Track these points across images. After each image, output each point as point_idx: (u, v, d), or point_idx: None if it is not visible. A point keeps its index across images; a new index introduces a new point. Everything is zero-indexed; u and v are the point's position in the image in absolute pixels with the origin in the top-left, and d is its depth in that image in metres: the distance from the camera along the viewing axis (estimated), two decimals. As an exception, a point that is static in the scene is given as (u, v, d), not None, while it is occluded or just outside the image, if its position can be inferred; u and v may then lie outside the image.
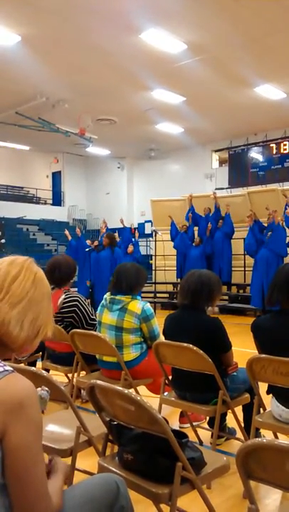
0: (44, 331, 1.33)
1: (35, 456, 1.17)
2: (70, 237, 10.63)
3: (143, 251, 15.63)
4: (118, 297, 3.31)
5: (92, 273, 9.69)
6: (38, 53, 9.76)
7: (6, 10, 8.15)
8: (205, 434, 3.22)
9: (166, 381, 3.06)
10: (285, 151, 14.78)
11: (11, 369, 1.21)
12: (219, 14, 8.26)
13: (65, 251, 11.27)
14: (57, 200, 22.30)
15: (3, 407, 1.13)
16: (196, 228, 11.38)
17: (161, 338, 3.08)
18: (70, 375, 3.80)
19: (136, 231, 11.14)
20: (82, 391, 3.95)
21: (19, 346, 1.29)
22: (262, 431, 2.95)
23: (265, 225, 9.42)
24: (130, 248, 10.23)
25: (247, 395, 2.90)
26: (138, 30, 8.81)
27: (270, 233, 8.79)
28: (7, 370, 1.20)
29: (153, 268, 12.55)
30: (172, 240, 11.38)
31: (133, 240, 10.74)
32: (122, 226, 11.85)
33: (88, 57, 10.08)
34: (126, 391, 1.81)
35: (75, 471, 2.24)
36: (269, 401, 2.65)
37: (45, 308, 1.33)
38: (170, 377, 3.04)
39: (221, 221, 10.76)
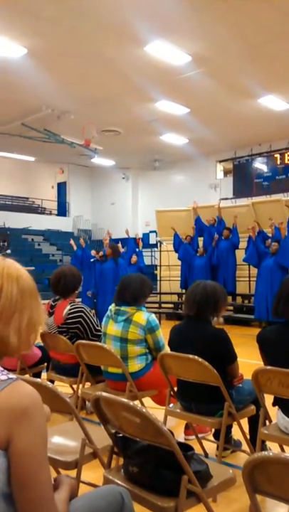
0: (38, 326, 1.32)
1: (41, 463, 1.18)
2: (75, 247, 10.65)
3: (148, 261, 15.61)
4: (123, 308, 3.31)
5: (97, 284, 9.69)
6: (44, 65, 9.87)
7: (13, 22, 8.26)
8: (210, 447, 3.20)
9: (172, 392, 3.05)
10: (290, 162, 14.81)
11: (15, 377, 1.22)
12: (223, 26, 8.34)
13: (70, 261, 11.26)
14: (62, 210, 22.39)
15: (9, 415, 1.14)
16: (200, 238, 11.38)
17: (166, 349, 3.07)
18: (75, 387, 3.79)
19: (140, 241, 11.13)
20: (87, 402, 3.94)
21: (18, 350, 1.28)
22: (268, 443, 2.92)
23: (270, 235, 9.39)
24: (134, 258, 10.23)
25: (253, 407, 2.88)
26: (143, 42, 8.90)
27: (275, 244, 8.72)
28: (11, 378, 1.20)
29: (158, 278, 12.54)
30: (176, 251, 11.36)
31: (137, 250, 10.73)
32: (126, 236, 11.85)
33: (94, 69, 10.18)
34: (131, 403, 1.81)
35: (80, 484, 2.23)
36: (275, 413, 2.63)
37: (34, 308, 1.31)
38: (175, 389, 3.03)
39: (226, 231, 10.74)
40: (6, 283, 1.26)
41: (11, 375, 1.22)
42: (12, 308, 1.25)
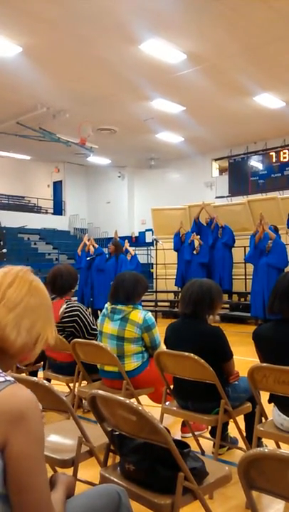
0: (44, 339, 1.34)
1: (37, 466, 1.18)
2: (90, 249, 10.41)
3: (144, 259, 15.61)
4: (119, 307, 3.31)
5: (93, 280, 9.69)
6: (39, 64, 9.84)
7: (7, 21, 8.23)
8: (207, 444, 3.21)
9: (168, 390, 3.05)
10: (285, 160, 14.84)
11: (13, 379, 1.22)
12: (218, 24, 8.34)
13: (74, 264, 11.14)
14: (58, 209, 22.36)
15: (5, 418, 1.14)
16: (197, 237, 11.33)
17: (162, 347, 3.08)
18: (71, 385, 3.80)
19: (135, 239, 11.02)
20: (83, 401, 3.95)
21: (17, 352, 1.29)
22: (264, 440, 2.94)
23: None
24: (128, 256, 10.19)
25: (249, 404, 2.89)
26: (138, 40, 8.89)
27: (270, 242, 8.68)
28: (8, 381, 1.20)
29: (154, 277, 12.54)
30: (175, 250, 11.26)
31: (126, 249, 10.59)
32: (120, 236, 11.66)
33: (89, 68, 10.16)
34: (127, 401, 1.81)
35: (77, 482, 2.23)
36: (271, 410, 2.64)
37: (43, 316, 1.35)
38: (171, 387, 3.03)
39: (221, 230, 10.73)
40: (18, 280, 1.34)
41: (9, 377, 1.22)
42: (17, 300, 1.30)
